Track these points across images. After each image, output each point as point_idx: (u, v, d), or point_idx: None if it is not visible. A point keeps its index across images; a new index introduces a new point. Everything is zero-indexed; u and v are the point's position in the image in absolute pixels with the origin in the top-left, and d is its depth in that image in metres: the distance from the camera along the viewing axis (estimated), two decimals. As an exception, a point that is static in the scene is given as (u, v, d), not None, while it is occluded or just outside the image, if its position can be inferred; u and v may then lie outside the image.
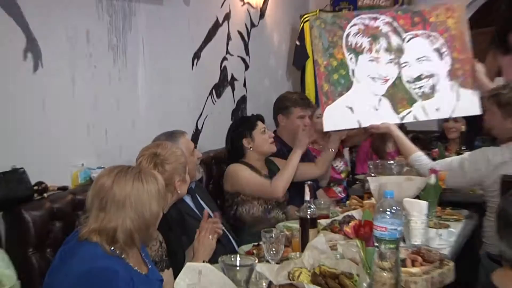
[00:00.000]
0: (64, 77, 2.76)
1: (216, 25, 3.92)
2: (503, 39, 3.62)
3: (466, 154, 3.02)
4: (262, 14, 4.52)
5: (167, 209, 2.35)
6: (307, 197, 2.44)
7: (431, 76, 3.20)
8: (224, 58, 4.03)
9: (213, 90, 3.92)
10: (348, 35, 3.20)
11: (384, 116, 3.16)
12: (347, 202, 3.15)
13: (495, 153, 2.84)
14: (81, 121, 2.86)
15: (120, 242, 1.85)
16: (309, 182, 2.48)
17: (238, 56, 4.21)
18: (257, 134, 3.28)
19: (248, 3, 4.30)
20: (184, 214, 2.70)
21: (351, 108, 3.16)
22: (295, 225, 2.56)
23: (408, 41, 3.20)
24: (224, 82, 4.04)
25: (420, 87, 3.19)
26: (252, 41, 4.36)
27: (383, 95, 3.18)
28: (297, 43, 4.85)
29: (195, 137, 3.72)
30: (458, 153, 3.62)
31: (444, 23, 3.23)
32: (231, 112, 4.15)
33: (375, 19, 3.22)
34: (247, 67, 4.32)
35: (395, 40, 3.20)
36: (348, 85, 3.17)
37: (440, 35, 3.22)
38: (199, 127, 3.77)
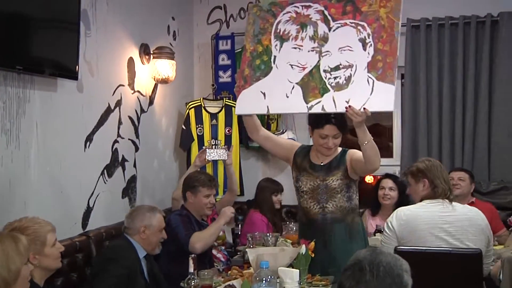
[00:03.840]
0: (-45, 160, 2.59)
1: (108, 111, 3.88)
2: None
3: None
4: (151, 101, 4.54)
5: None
6: (191, 269, 2.41)
7: (349, 66, 2.88)
8: (116, 141, 3.97)
9: (105, 170, 3.83)
10: (279, 22, 3.02)
11: (293, 104, 2.92)
12: (229, 272, 3.13)
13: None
14: (-29, 202, 2.68)
15: None
16: (193, 255, 2.46)
17: (128, 139, 4.17)
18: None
19: (138, 91, 4.31)
20: (137, 272, 2.94)
21: (264, 94, 2.95)
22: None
23: (335, 30, 2.94)
24: (115, 163, 3.96)
25: (335, 77, 2.88)
26: (142, 125, 4.35)
27: (297, 83, 2.92)
28: (183, 127, 4.90)
29: (86, 215, 3.59)
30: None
31: (375, 13, 2.90)
32: (122, 190, 4.06)
33: (308, 7, 3.00)
34: (137, 149, 4.28)
35: (321, 29, 2.95)
36: (267, 71, 2.97)
37: (368, 25, 2.89)
38: (91, 205, 3.64)
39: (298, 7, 3.00)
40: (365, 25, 2.89)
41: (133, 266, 2.93)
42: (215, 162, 4.77)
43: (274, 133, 4.95)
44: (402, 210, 3.05)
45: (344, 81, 2.85)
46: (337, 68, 2.88)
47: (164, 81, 4.50)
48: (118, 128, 4.01)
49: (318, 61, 2.91)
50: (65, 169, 3.39)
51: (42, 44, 3.06)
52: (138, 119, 4.31)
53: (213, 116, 4.98)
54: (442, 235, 2.92)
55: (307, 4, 3.00)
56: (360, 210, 4.09)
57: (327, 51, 2.92)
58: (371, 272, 1.55)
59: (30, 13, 2.95)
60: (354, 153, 3.13)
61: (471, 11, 4.68)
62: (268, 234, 3.16)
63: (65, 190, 3.38)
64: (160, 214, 3.17)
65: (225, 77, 5.25)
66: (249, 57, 3.02)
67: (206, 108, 4.98)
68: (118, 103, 4.01)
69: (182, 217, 3.57)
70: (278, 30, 3.01)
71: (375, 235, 3.81)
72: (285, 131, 4.97)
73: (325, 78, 2.88)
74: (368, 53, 2.86)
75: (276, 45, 3.00)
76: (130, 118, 4.18)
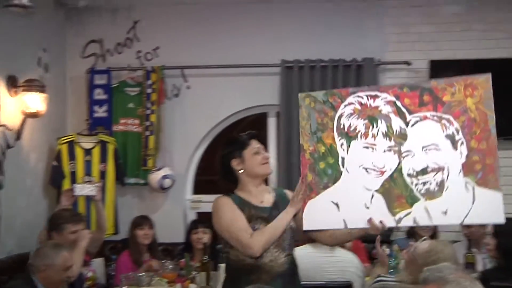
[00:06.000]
0: None
1: (-31, 146, 3.59)
2: None
3: None
4: (18, 136, 4.27)
5: None
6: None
7: (439, 169, 2.40)
8: (-23, 178, 3.68)
9: (-37, 210, 3.51)
10: (341, 116, 2.54)
11: (376, 217, 2.44)
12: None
13: None
14: None
15: None
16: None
17: (-8, 176, 3.87)
18: (248, 154, 2.65)
19: (4, 125, 4.04)
20: None
21: (337, 205, 2.51)
22: None
23: (414, 124, 2.45)
24: (-25, 202, 3.65)
25: (424, 183, 2.41)
26: (8, 161, 4.07)
27: (376, 191, 2.46)
28: (55, 163, 4.67)
29: None
30: (202, 262, 3.66)
31: (461, 103, 2.41)
32: (-17, 232, 3.74)
33: (375, 97, 2.51)
34: (1, 187, 3.98)
35: (396, 124, 2.46)
36: (336, 176, 2.52)
37: (455, 119, 2.41)
38: None
39: (363, 97, 2.52)
40: (451, 118, 2.41)
41: None
42: (88, 200, 4.56)
43: (150, 170, 4.88)
44: None
45: (437, 188, 2.41)
46: (424, 171, 2.42)
47: (34, 115, 4.28)
48: (-20, 164, 3.72)
49: (399, 163, 2.45)
50: None
51: None
52: (3, 154, 4.03)
53: (87, 152, 4.80)
54: (326, 274, 3.06)
55: (373, 93, 2.53)
56: None
57: (408, 151, 2.44)
58: None
59: None
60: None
61: (339, 55, 5.00)
62: (142, 274, 3.05)
63: None
64: (66, 252, 3.03)
65: (100, 111, 5.10)
66: (309, 160, 2.57)
67: (80, 143, 4.78)
68: (-19, 138, 3.72)
69: None
70: (342, 126, 2.53)
71: None
72: (162, 168, 4.90)
73: (411, 184, 2.42)
74: (461, 153, 2.39)
75: (342, 144, 2.53)
76: (-6, 153, 3.90)
